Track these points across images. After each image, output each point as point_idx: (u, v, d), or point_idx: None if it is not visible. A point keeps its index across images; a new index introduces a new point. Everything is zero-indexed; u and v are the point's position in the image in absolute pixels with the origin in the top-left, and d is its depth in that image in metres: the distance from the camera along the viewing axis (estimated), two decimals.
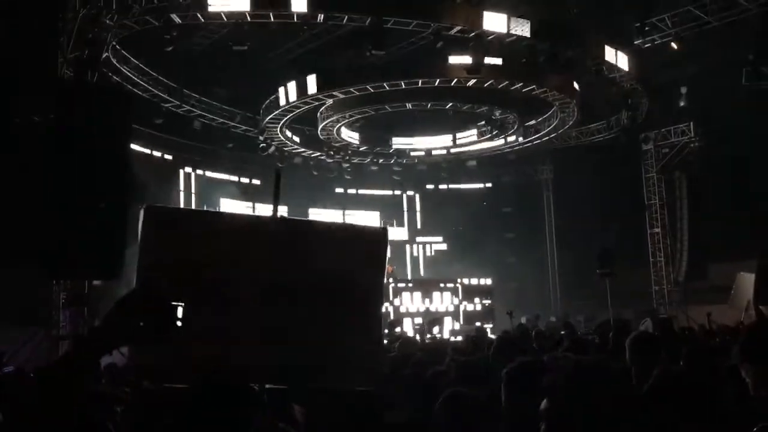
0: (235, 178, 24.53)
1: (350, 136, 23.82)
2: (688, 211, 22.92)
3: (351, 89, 19.17)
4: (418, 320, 20.02)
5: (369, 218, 25.95)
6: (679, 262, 22.96)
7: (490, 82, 18.49)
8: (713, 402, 2.84)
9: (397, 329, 15.93)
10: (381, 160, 25.96)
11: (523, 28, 16.25)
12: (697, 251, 22.44)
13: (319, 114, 21.49)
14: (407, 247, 27.85)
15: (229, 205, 22.58)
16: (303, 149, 24.27)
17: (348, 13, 15.55)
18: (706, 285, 20.37)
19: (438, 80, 18.61)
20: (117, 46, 16.58)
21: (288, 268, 3.05)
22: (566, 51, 17.09)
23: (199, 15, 15.32)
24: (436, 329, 18.20)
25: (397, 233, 26.27)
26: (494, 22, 15.86)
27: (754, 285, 8.34)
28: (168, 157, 22.45)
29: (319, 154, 24.59)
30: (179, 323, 2.30)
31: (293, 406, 3.57)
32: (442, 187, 27.96)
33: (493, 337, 14.90)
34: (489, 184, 27.92)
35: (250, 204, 23.35)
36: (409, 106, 21.31)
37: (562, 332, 10.19)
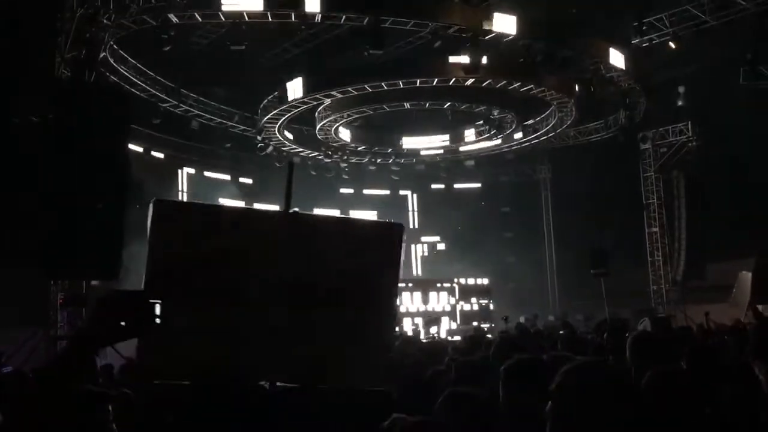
0: (233, 178, 24.50)
1: (344, 135, 23.78)
2: (686, 211, 22.92)
3: (349, 89, 19.15)
4: (418, 320, 20.04)
5: (366, 218, 25.87)
6: (677, 261, 22.96)
7: (488, 81, 18.49)
8: (712, 400, 2.85)
9: (396, 329, 15.94)
10: (379, 160, 25.95)
11: (520, 28, 16.25)
12: (695, 250, 22.44)
13: (317, 114, 21.48)
14: (404, 246, 27.80)
15: None
16: (301, 149, 24.25)
17: (347, 12, 15.53)
18: (704, 284, 20.40)
19: (436, 80, 18.59)
20: (114, 46, 16.55)
21: (299, 265, 2.98)
22: (564, 50, 17.09)
23: (197, 14, 15.30)
24: (433, 329, 18.22)
25: None
26: (500, 22, 15.84)
27: (751, 284, 8.37)
28: (166, 157, 22.42)
29: (317, 153, 24.58)
30: (158, 320, 2.33)
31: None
32: (440, 186, 27.95)
33: (491, 337, 14.95)
34: (487, 184, 27.91)
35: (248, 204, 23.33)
36: (407, 105, 21.31)
37: (561, 332, 10.19)
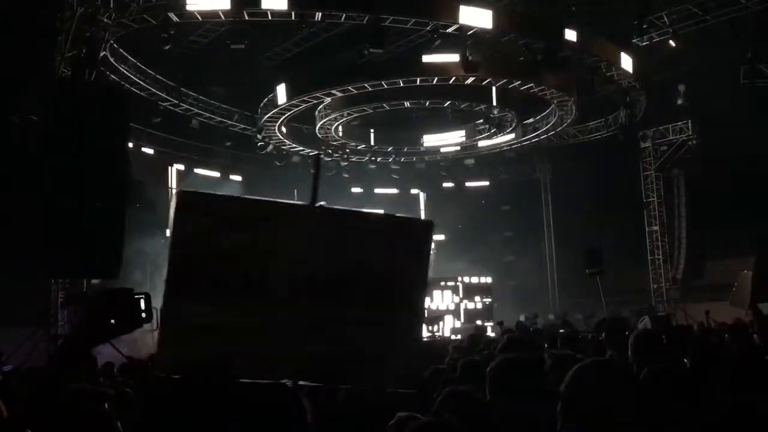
0: (233, 177, 24.49)
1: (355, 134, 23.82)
2: (686, 209, 22.94)
3: (349, 87, 19.14)
4: None
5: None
6: (677, 259, 22.98)
7: (488, 80, 18.49)
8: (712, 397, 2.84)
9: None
10: (379, 159, 25.94)
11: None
12: (695, 249, 22.47)
13: (317, 112, 21.47)
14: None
15: None
16: (301, 148, 24.24)
17: (346, 11, 15.52)
18: (704, 283, 20.40)
19: (436, 78, 18.58)
20: (114, 45, 16.54)
21: (326, 261, 2.90)
22: (564, 49, 17.08)
23: (196, 13, 15.30)
24: (434, 327, 18.22)
25: None
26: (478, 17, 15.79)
27: (752, 282, 8.36)
28: (166, 155, 22.40)
29: (317, 152, 24.54)
30: (144, 314, 2.32)
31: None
32: (450, 185, 27.88)
33: (492, 335, 14.95)
34: (487, 183, 27.89)
35: None
36: (407, 104, 21.30)
37: (561, 330, 10.19)
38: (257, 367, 2.76)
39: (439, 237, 27.75)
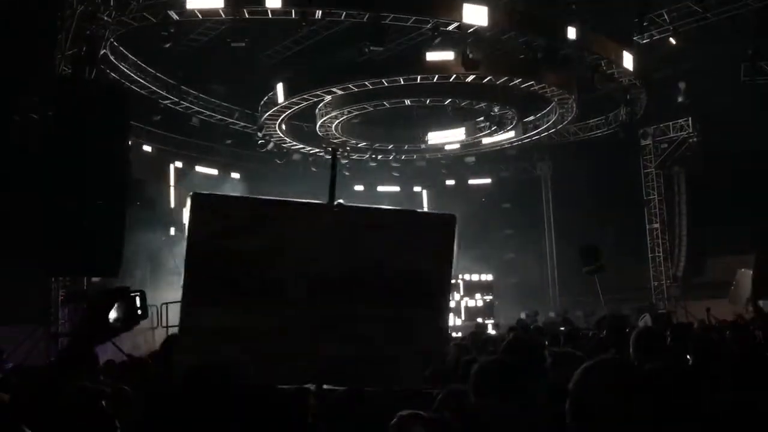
0: (234, 175, 24.48)
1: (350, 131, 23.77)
2: (686, 207, 22.93)
3: (349, 85, 19.13)
4: None
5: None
6: (677, 257, 22.98)
7: (488, 78, 18.47)
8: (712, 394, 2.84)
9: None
10: (380, 156, 25.92)
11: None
12: (695, 247, 22.46)
13: (317, 110, 21.46)
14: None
15: None
16: (302, 146, 24.23)
17: (346, 9, 15.51)
18: (705, 280, 20.39)
19: (437, 76, 18.56)
20: (115, 43, 16.53)
21: (345, 260, 2.83)
22: (564, 47, 17.06)
23: (197, 11, 15.28)
24: None
25: None
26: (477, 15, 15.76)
27: (752, 280, 8.36)
28: (166, 153, 22.39)
29: (318, 150, 24.55)
30: (140, 312, 2.33)
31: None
32: (453, 182, 27.85)
33: (492, 332, 14.96)
34: (488, 180, 27.87)
35: None
36: (407, 102, 21.28)
37: (562, 328, 10.19)
38: (277, 372, 2.71)
39: None
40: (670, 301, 21.79)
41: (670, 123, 22.40)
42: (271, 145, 22.92)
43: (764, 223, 15.28)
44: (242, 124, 22.72)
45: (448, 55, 17.29)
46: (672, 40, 17.55)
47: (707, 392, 2.95)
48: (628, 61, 18.37)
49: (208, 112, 21.73)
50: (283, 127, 22.32)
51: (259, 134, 22.15)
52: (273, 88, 19.98)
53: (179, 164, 23.12)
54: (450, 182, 27.70)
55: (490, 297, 21.88)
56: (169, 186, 22.72)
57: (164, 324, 15.45)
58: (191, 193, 2.82)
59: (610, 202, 21.89)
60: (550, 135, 23.49)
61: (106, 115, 10.28)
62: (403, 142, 25.54)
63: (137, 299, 2.32)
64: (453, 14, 15.80)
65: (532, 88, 19.27)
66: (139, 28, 15.55)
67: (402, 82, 18.86)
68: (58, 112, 10.73)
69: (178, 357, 2.74)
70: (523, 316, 18.43)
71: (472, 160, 26.43)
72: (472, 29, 16.10)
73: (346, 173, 25.95)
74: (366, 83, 18.82)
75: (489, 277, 22.09)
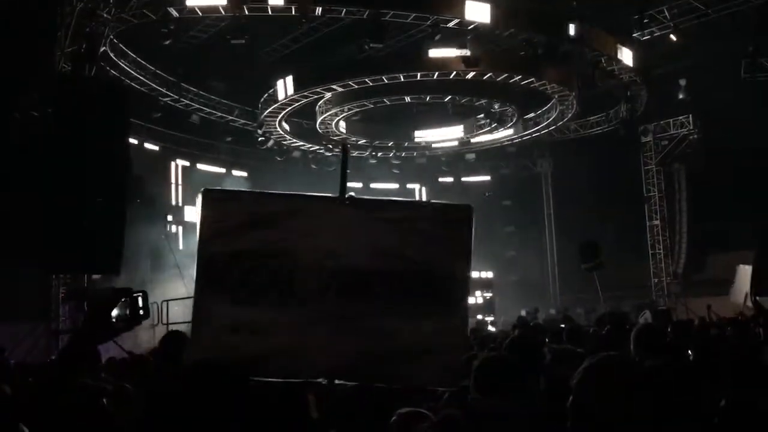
0: (234, 172, 24.47)
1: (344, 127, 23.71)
2: (687, 203, 22.92)
3: (349, 82, 19.11)
4: None
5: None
6: (677, 254, 22.97)
7: (489, 75, 18.45)
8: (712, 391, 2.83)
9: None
10: (380, 154, 25.90)
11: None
12: (696, 243, 22.45)
13: (317, 107, 21.44)
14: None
15: None
16: (302, 143, 24.21)
17: (346, 6, 15.48)
18: (705, 277, 20.39)
19: (437, 73, 18.54)
20: (114, 40, 16.51)
21: (359, 254, 2.78)
22: (565, 43, 17.04)
23: (196, 8, 15.26)
24: None
25: None
26: (478, 12, 15.71)
27: (751, 276, 8.37)
28: (166, 150, 22.38)
29: (318, 147, 24.54)
30: (142, 312, 2.33)
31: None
32: (449, 180, 27.84)
33: (492, 329, 14.98)
34: (488, 177, 27.85)
35: None
36: (407, 99, 21.26)
37: (562, 325, 10.17)
38: (290, 366, 2.70)
39: None
40: (670, 298, 21.80)
41: (671, 120, 22.39)
42: (270, 142, 22.91)
43: (765, 220, 15.26)
44: (242, 121, 22.71)
45: (450, 52, 17.24)
46: (672, 37, 17.51)
47: (707, 390, 2.95)
48: (628, 57, 18.34)
49: (208, 110, 21.72)
50: (284, 125, 22.31)
51: (259, 131, 22.14)
52: (273, 85, 19.96)
53: (184, 163, 23.11)
54: (446, 179, 27.64)
55: (490, 294, 21.88)
56: (171, 184, 22.69)
57: (164, 321, 15.47)
58: (202, 189, 2.82)
59: (610, 199, 21.88)
60: (550, 132, 23.47)
61: (105, 112, 10.26)
62: (404, 139, 25.51)
63: (139, 299, 2.33)
64: (455, 11, 15.78)
65: (532, 85, 19.25)
66: (139, 25, 15.54)
67: (402, 79, 18.84)
68: (57, 110, 10.70)
69: (190, 350, 2.74)
70: (523, 313, 18.41)
71: (473, 157, 26.42)
72: (472, 26, 16.08)
73: (347, 170, 25.88)
74: (366, 80, 18.79)
75: (489, 275, 22.09)
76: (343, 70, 18.93)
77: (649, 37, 17.93)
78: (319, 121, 22.04)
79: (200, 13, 15.84)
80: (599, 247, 16.24)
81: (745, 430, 2.38)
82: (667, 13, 17.38)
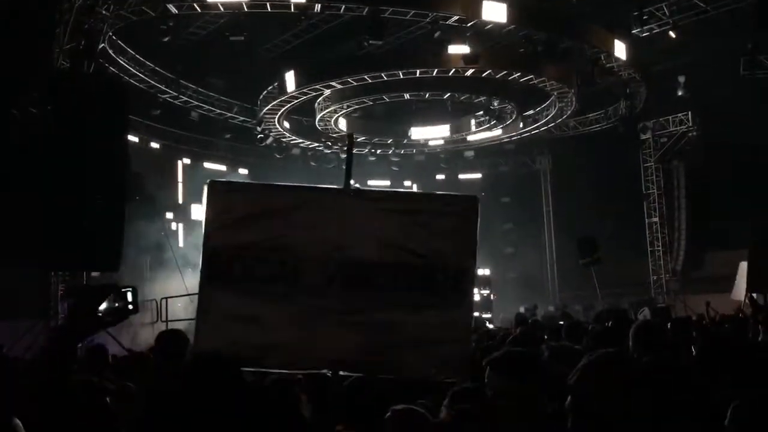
0: (241, 171, 24.44)
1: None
2: (686, 201, 22.93)
3: (348, 79, 19.08)
4: None
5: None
6: (676, 251, 22.98)
7: (488, 72, 18.43)
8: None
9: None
10: (379, 151, 25.89)
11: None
12: (694, 241, 22.46)
13: (316, 105, 21.42)
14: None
15: None
16: (301, 140, 24.20)
17: (345, 2, 15.45)
18: (704, 274, 20.40)
19: (436, 70, 18.52)
20: (113, 37, 16.48)
21: (363, 247, 2.78)
22: (564, 40, 17.02)
23: (195, 5, 15.23)
24: None
25: None
26: (493, 12, 15.67)
27: (747, 273, 8.40)
28: (165, 148, 22.36)
29: (317, 144, 24.53)
30: (131, 306, 2.33)
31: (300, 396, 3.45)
32: (443, 177, 27.84)
33: (491, 326, 14.96)
34: (487, 175, 27.84)
35: None
36: (407, 96, 21.25)
37: (561, 322, 10.17)
38: (294, 358, 2.70)
39: None
40: (669, 295, 21.80)
41: (670, 117, 22.38)
42: (270, 139, 22.90)
43: (764, 217, 15.29)
44: (241, 118, 22.69)
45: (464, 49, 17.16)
46: (672, 34, 17.49)
47: (707, 388, 2.95)
48: (627, 54, 18.30)
49: (207, 107, 21.70)
50: (285, 124, 22.29)
51: (258, 128, 22.13)
52: (272, 82, 19.94)
53: (186, 160, 23.09)
54: (442, 176, 27.58)
55: (488, 291, 21.89)
56: (174, 181, 22.66)
57: (164, 318, 15.48)
58: (208, 180, 2.82)
59: (609, 197, 21.87)
60: (549, 129, 23.46)
61: (105, 109, 10.22)
62: (403, 137, 25.50)
63: (128, 294, 2.33)
64: (468, 10, 15.75)
65: (531, 82, 19.24)
66: (138, 21, 15.51)
67: (401, 76, 18.82)
68: (56, 107, 10.67)
69: (196, 341, 2.75)
70: (522, 310, 18.42)
71: (471, 154, 26.41)
72: (471, 23, 16.08)
73: (344, 167, 25.88)
74: (365, 77, 18.77)
75: (487, 272, 22.09)
76: (342, 67, 18.90)
77: (648, 33, 17.89)
78: (318, 118, 22.02)
79: (199, 10, 15.80)
80: (597, 242, 16.26)
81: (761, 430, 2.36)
82: (666, 10, 17.35)
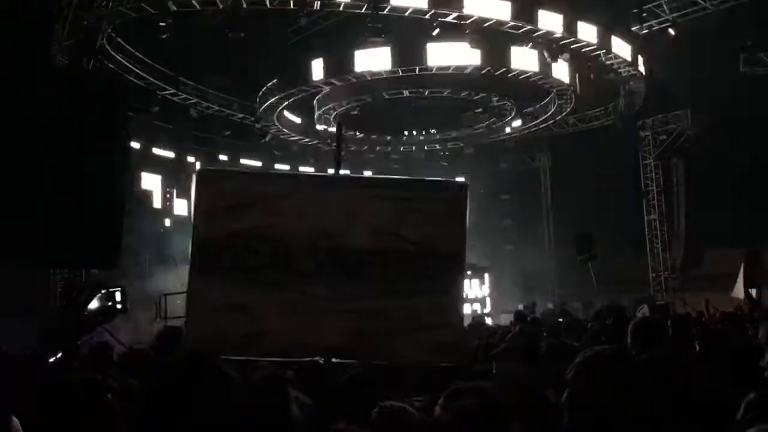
0: (232, 166, 24.40)
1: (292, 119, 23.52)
2: (685, 198, 22.92)
3: (348, 77, 19.05)
4: None
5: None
6: (676, 248, 22.98)
7: (487, 69, 18.41)
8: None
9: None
10: (378, 148, 25.87)
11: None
12: (694, 238, 22.45)
13: (315, 102, 21.40)
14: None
15: None
16: (300, 137, 24.17)
17: None
18: (703, 272, 20.40)
19: (435, 67, 18.48)
20: (112, 34, 16.45)
21: (354, 235, 2.77)
22: (564, 38, 17.01)
23: (194, 2, 15.20)
24: None
25: None
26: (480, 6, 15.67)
27: (743, 270, 8.48)
28: (163, 144, 22.33)
29: (316, 141, 24.51)
30: (119, 305, 2.34)
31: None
32: (440, 174, 27.79)
33: (489, 322, 14.98)
34: (487, 172, 27.79)
35: None
36: (406, 93, 21.23)
37: (560, 320, 10.19)
38: (286, 346, 2.68)
39: None
40: (668, 293, 21.81)
41: (669, 114, 22.36)
42: (269, 136, 22.88)
43: (762, 215, 15.30)
44: (241, 115, 22.66)
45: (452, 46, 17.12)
46: (671, 31, 17.48)
47: (705, 384, 2.96)
48: (626, 51, 18.30)
49: (207, 104, 21.66)
50: (282, 119, 22.27)
51: (258, 125, 22.10)
52: (271, 79, 19.91)
53: (191, 158, 23.06)
54: (441, 174, 27.52)
55: (487, 288, 21.90)
56: (166, 177, 22.64)
57: (163, 315, 15.45)
58: (197, 169, 2.82)
59: (608, 194, 21.86)
60: (548, 126, 23.45)
61: (104, 106, 10.22)
62: (402, 134, 25.49)
63: (117, 294, 2.34)
64: (455, 5, 15.74)
65: (531, 79, 19.21)
66: (137, 18, 15.48)
67: (401, 73, 18.80)
68: (55, 104, 10.66)
69: (186, 332, 2.74)
70: (521, 307, 18.41)
71: (471, 151, 26.38)
72: (471, 19, 16.06)
73: (342, 148, 25.83)
74: (365, 75, 18.74)
75: (486, 269, 22.09)
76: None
77: (647, 31, 17.89)
78: (317, 115, 22.00)
79: (198, 7, 15.77)
80: (593, 239, 16.27)
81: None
82: (665, 7, 17.36)
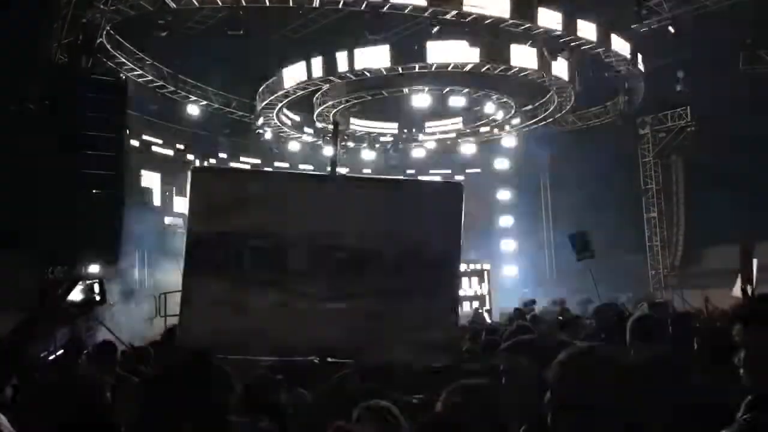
0: (231, 164, 24.36)
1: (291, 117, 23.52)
2: (684, 196, 22.92)
3: (347, 74, 19.03)
4: None
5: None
6: (675, 246, 22.99)
7: (487, 67, 18.39)
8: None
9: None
10: (377, 146, 25.85)
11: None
12: (693, 236, 22.46)
13: (314, 99, 21.39)
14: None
15: None
16: (299, 134, 24.16)
17: None
18: (702, 270, 20.40)
19: (435, 65, 18.47)
20: (111, 32, 16.43)
21: (349, 231, 2.76)
22: (564, 36, 17.00)
23: (194, 0, 15.19)
24: None
25: None
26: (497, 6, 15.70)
27: (740, 266, 8.50)
28: (163, 143, 22.30)
29: (315, 139, 24.49)
30: (98, 297, 2.34)
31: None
32: (440, 172, 27.76)
33: (488, 320, 14.99)
34: (487, 169, 27.78)
35: None
36: (405, 91, 21.21)
37: (560, 317, 10.19)
38: (281, 344, 2.67)
39: None
40: (667, 291, 21.80)
41: (669, 112, 22.36)
42: (268, 134, 22.86)
43: (761, 213, 15.30)
44: (240, 113, 22.63)
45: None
46: (671, 29, 17.47)
47: (702, 381, 2.96)
48: (625, 49, 18.29)
49: (206, 102, 21.64)
50: (282, 117, 22.25)
51: (257, 123, 22.09)
52: (271, 77, 19.90)
53: (190, 156, 23.03)
54: (440, 172, 27.49)
55: (487, 286, 21.91)
56: (165, 175, 22.61)
57: (162, 314, 15.43)
58: (192, 167, 2.81)
59: (608, 192, 21.86)
60: (548, 124, 23.43)
61: (102, 103, 10.24)
62: (401, 132, 25.46)
63: (95, 286, 2.34)
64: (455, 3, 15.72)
65: (530, 77, 19.20)
66: (136, 16, 15.46)
67: (401, 71, 18.78)
68: (54, 101, 10.67)
69: (179, 331, 2.73)
70: (520, 305, 18.42)
71: (471, 149, 26.36)
72: (470, 17, 16.05)
73: (343, 161, 25.87)
74: (366, 73, 18.73)
75: (486, 266, 22.12)
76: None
77: (647, 29, 17.87)
78: (316, 113, 21.99)
79: (197, 5, 15.75)
80: (589, 236, 16.25)
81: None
82: (665, 5, 17.33)
